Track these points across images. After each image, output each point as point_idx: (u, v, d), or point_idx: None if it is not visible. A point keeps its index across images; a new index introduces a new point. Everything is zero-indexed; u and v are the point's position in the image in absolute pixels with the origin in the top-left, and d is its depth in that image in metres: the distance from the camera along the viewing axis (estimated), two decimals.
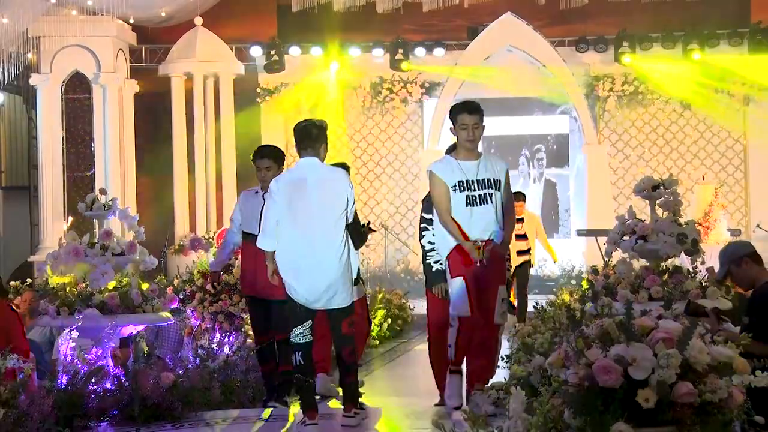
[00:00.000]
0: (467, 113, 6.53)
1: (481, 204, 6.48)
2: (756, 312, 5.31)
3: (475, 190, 6.48)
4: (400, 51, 16.82)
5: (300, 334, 6.18)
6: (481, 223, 6.48)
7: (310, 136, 6.24)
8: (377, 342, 11.41)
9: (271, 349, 7.25)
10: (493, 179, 6.53)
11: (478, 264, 6.37)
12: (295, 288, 6.13)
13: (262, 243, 6.29)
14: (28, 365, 6.27)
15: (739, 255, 5.65)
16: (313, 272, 6.08)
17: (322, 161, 6.32)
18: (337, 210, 6.13)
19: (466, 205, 6.46)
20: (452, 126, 6.63)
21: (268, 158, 7.33)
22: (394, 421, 6.79)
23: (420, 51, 16.96)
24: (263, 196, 6.93)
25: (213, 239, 15.36)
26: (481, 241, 6.41)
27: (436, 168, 6.59)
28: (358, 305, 6.79)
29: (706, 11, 16.70)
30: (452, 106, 6.75)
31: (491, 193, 6.50)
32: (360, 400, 6.55)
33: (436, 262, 6.83)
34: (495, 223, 6.50)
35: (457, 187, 6.48)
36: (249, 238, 7.22)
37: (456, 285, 6.46)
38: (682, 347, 3.64)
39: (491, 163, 6.63)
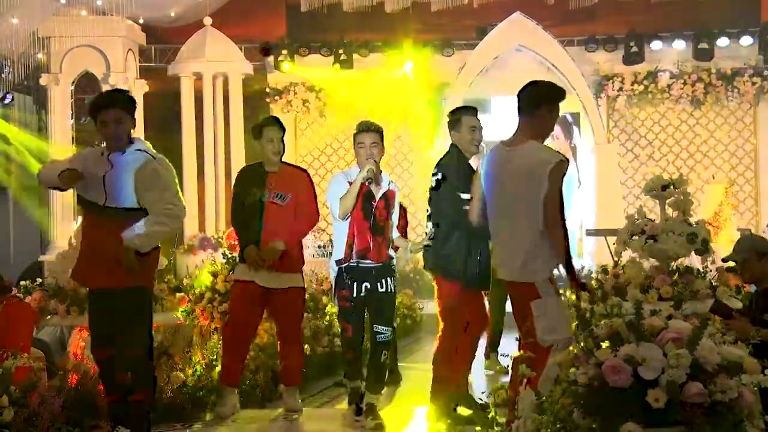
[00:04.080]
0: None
1: None
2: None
3: None
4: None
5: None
6: None
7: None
8: None
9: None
10: None
11: None
12: None
13: None
14: (38, 364, 6.28)
15: (766, 251, 5.70)
16: None
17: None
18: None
19: None
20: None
21: (115, 107, 5.39)
22: (402, 421, 6.78)
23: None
24: (109, 157, 5.52)
25: (222, 239, 15.36)
26: None
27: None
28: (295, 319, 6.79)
29: (716, 10, 16.66)
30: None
31: None
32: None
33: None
34: None
35: None
36: (90, 208, 5.56)
37: (556, 305, 5.20)
38: (692, 347, 3.63)
39: None
